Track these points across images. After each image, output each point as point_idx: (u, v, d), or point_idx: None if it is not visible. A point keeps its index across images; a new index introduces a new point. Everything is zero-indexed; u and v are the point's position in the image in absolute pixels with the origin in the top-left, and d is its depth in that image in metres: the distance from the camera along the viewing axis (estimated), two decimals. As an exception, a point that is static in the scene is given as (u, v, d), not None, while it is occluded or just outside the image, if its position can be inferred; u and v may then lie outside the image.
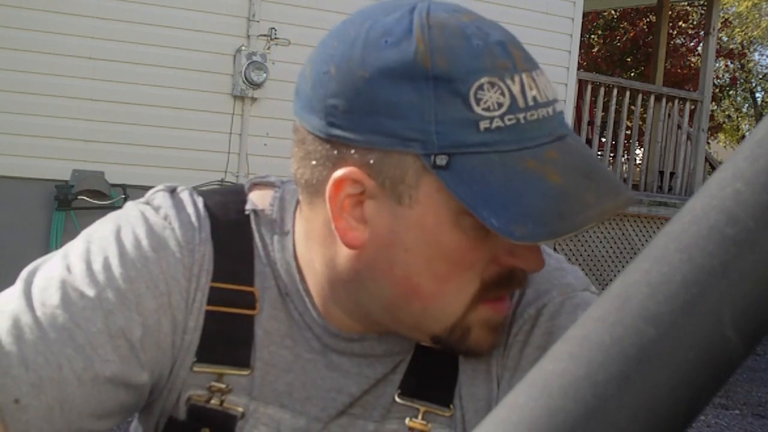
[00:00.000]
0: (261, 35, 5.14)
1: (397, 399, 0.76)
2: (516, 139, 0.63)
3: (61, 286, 0.69)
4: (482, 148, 0.63)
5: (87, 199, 4.67)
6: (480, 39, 0.64)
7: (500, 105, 0.62)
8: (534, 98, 0.64)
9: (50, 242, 4.63)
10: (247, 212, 0.79)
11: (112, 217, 0.77)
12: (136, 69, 4.89)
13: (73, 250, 0.73)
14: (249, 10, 5.15)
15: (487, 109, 0.62)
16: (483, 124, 0.62)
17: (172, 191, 0.79)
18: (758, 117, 19.23)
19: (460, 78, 0.63)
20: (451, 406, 0.76)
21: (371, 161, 0.66)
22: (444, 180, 0.64)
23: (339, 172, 0.67)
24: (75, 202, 4.64)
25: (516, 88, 0.63)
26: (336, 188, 0.68)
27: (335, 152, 0.67)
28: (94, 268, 0.70)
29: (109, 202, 4.70)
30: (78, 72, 4.75)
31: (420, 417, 0.76)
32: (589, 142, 7.24)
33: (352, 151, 0.66)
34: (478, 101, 0.62)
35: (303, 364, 0.77)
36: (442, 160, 0.64)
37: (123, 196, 4.75)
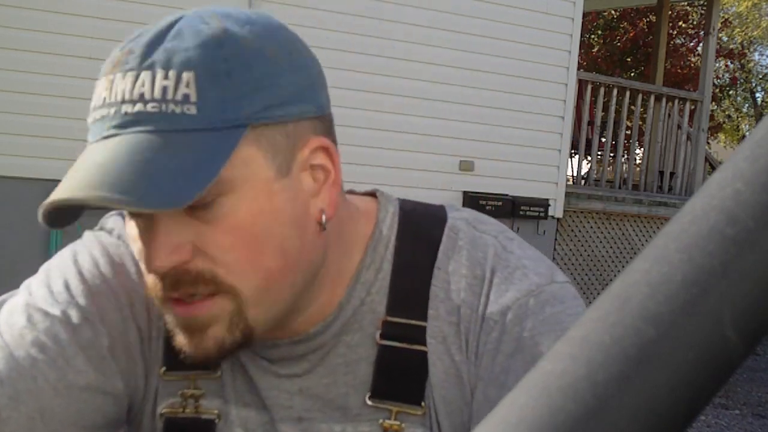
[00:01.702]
0: (261, 35, 5.14)
1: (368, 401, 0.76)
2: (90, 138, 0.66)
3: (25, 310, 0.71)
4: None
5: (87, 199, 4.65)
6: (125, 42, 0.67)
7: (91, 103, 0.66)
8: (104, 99, 0.65)
9: (50, 242, 4.63)
10: None
11: (68, 247, 0.79)
12: (136, 69, 4.88)
13: (34, 280, 0.75)
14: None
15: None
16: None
17: (124, 215, 0.81)
18: (758, 117, 19.23)
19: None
20: (423, 404, 0.75)
21: None
22: None
23: None
24: (75, 202, 4.63)
25: (98, 91, 0.66)
26: None
27: None
28: (54, 290, 0.72)
29: (109, 202, 4.69)
30: (78, 72, 4.75)
31: (393, 417, 0.75)
32: (589, 142, 7.25)
33: None
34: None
35: (249, 366, 0.78)
36: None
37: (123, 196, 4.74)
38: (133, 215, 0.68)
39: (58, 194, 0.60)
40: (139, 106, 0.63)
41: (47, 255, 4.38)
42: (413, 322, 0.76)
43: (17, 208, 4.65)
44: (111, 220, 0.81)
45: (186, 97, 0.63)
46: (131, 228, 0.68)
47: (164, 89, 0.63)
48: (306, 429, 0.77)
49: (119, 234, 0.78)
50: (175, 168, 0.61)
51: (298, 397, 0.77)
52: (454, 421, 0.75)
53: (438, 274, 0.77)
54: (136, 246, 0.68)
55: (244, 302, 0.67)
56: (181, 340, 0.69)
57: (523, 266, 0.76)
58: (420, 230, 0.79)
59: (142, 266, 0.68)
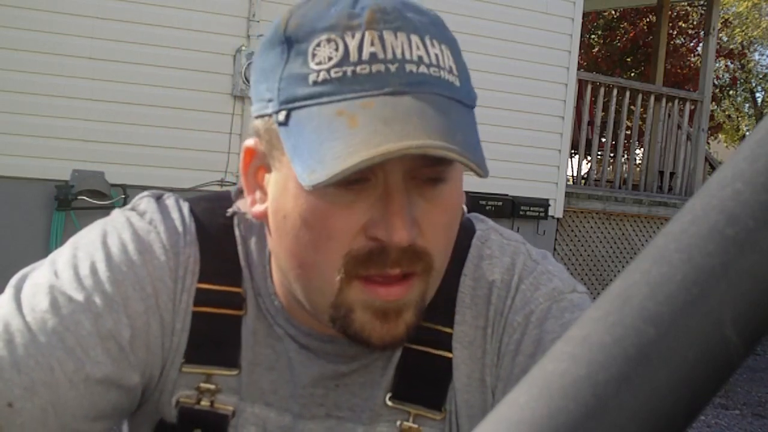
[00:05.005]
0: (261, 35, 5.14)
1: (388, 402, 0.76)
2: (338, 90, 0.63)
3: (50, 292, 0.70)
4: (308, 101, 0.64)
5: (87, 199, 4.67)
6: (340, 4, 0.65)
7: (330, 59, 0.63)
8: (372, 54, 0.63)
9: (50, 242, 4.63)
10: (229, 214, 0.79)
11: (98, 224, 0.78)
12: (136, 69, 4.88)
13: (61, 256, 0.74)
14: (249, 10, 5.15)
15: (319, 63, 0.63)
16: (312, 77, 0.63)
17: (158, 198, 0.81)
18: (758, 117, 19.23)
19: (303, 38, 0.64)
20: (443, 409, 0.76)
21: (259, 128, 0.69)
22: (282, 136, 0.65)
23: (247, 142, 0.71)
24: (75, 202, 4.64)
25: (353, 44, 0.63)
26: (244, 159, 0.73)
27: (251, 126, 0.71)
28: (81, 273, 0.71)
29: (109, 202, 4.69)
30: (78, 72, 4.75)
31: (411, 420, 0.76)
32: (589, 142, 7.25)
33: (256, 122, 0.69)
34: (314, 57, 0.64)
35: (285, 362, 0.77)
36: (282, 116, 0.65)
37: (123, 196, 4.75)
38: (359, 182, 0.64)
39: (412, 140, 0.58)
40: (422, 68, 0.63)
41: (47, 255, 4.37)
42: (439, 327, 0.77)
43: (17, 208, 4.65)
44: (144, 201, 0.79)
45: (451, 69, 0.65)
46: (338, 200, 0.65)
47: (437, 56, 0.64)
48: (332, 427, 0.77)
49: (151, 218, 0.77)
50: (471, 136, 0.63)
51: (333, 393, 0.77)
52: (475, 424, 0.75)
53: (464, 281, 0.79)
54: (339, 219, 0.65)
55: (429, 286, 0.69)
56: (368, 320, 0.67)
57: (549, 271, 0.79)
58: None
59: (335, 245, 0.65)
